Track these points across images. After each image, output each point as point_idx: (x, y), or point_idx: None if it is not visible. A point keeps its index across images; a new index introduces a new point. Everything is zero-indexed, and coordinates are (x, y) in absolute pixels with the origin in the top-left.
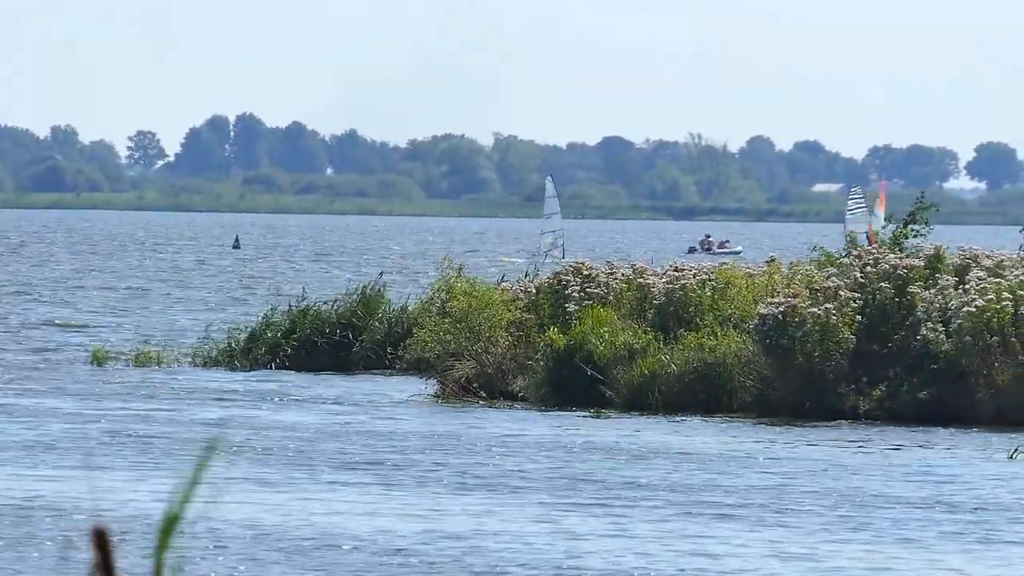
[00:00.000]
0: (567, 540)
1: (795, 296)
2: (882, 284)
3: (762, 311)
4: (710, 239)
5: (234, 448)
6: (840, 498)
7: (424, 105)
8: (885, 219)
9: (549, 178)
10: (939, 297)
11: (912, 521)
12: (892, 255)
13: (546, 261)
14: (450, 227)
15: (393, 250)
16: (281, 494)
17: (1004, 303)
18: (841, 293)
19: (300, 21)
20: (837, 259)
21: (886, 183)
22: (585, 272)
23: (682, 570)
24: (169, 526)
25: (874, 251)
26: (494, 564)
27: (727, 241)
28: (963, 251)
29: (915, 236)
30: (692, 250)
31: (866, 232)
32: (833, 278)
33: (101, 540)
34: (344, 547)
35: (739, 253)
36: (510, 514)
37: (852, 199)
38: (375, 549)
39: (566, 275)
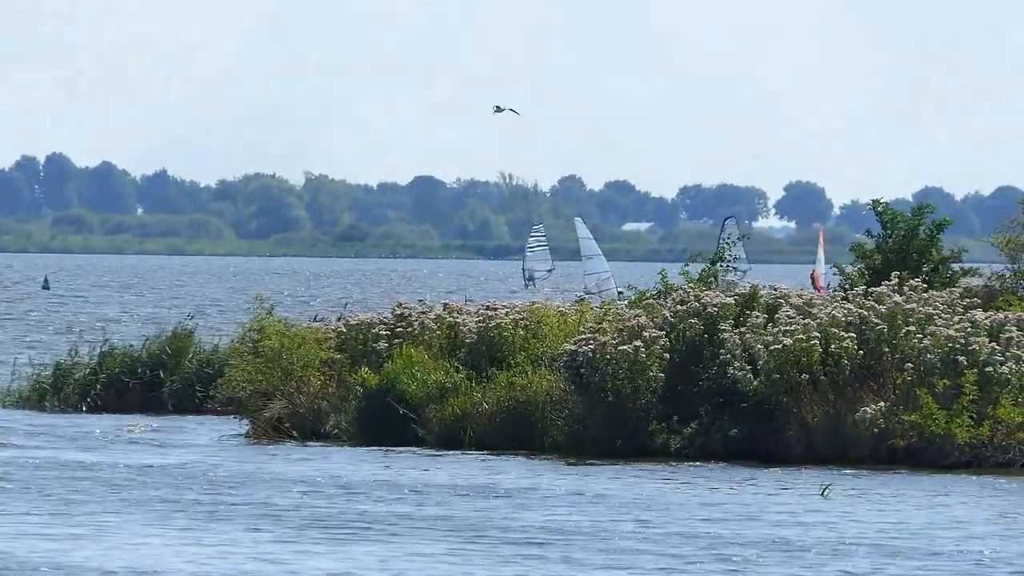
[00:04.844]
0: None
1: (599, 331)
2: (691, 321)
3: (570, 347)
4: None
5: (35, 490)
6: (659, 537)
7: (234, 145)
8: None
9: (579, 219)
10: (748, 335)
11: (733, 558)
12: (707, 293)
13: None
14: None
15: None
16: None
17: (812, 342)
18: (647, 332)
19: (107, 59)
20: (647, 297)
21: (822, 228)
22: (398, 311)
23: None
24: None
25: (691, 289)
26: None
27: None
28: (773, 290)
29: (728, 273)
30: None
31: (811, 275)
32: (640, 317)
33: None
34: None
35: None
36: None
37: (533, 236)
38: None
39: (375, 315)
